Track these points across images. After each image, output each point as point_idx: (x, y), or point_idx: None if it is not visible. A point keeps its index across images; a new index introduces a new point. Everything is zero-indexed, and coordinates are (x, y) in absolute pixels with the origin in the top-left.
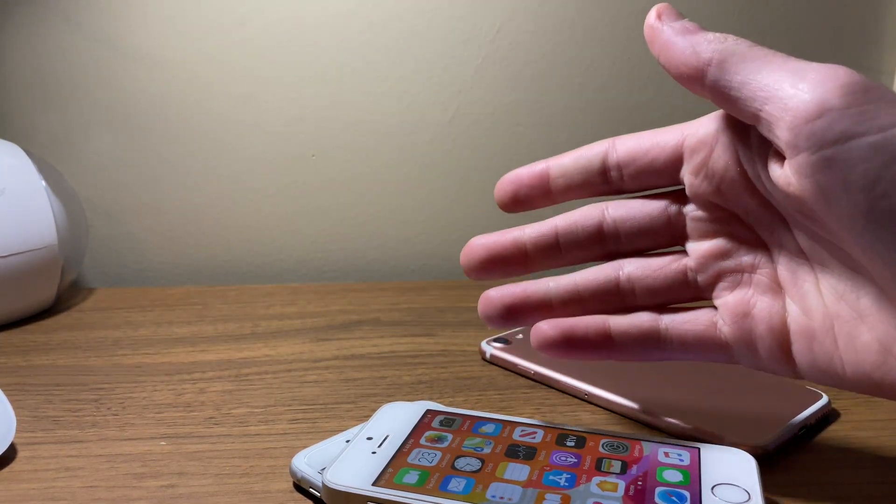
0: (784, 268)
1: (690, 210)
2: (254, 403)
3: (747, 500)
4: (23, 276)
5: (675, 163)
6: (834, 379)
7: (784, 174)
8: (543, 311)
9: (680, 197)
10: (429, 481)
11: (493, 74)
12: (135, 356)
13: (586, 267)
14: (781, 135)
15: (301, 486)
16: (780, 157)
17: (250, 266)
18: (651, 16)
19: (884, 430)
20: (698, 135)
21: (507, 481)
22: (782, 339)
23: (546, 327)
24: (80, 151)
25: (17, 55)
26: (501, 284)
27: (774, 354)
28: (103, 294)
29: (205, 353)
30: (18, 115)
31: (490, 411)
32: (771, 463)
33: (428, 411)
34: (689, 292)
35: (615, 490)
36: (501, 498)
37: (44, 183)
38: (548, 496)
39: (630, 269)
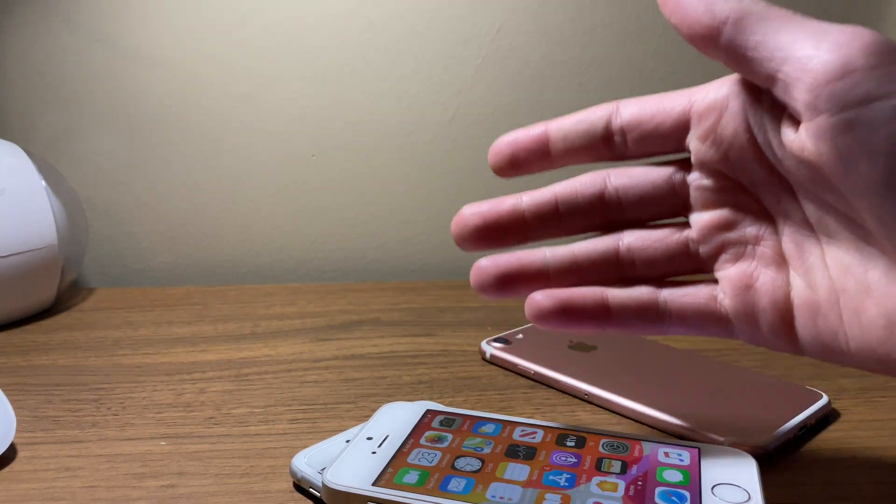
0: (789, 240)
1: (695, 178)
2: (254, 403)
3: (747, 500)
4: (23, 276)
5: (681, 128)
6: (836, 355)
7: (798, 139)
8: (539, 282)
9: (684, 165)
10: (429, 481)
11: (493, 74)
12: (135, 356)
13: (584, 240)
14: (800, 96)
15: (301, 486)
16: (795, 122)
17: (250, 266)
18: None
19: (884, 430)
20: (707, 100)
21: (507, 481)
22: (785, 313)
23: (541, 297)
24: (80, 151)
25: (17, 55)
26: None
27: (776, 329)
28: (103, 294)
29: (205, 353)
30: (18, 115)
31: (490, 411)
32: (771, 463)
33: (428, 411)
34: (690, 264)
35: (615, 490)
36: (501, 498)
37: (44, 183)
38: (548, 496)
39: (630, 239)
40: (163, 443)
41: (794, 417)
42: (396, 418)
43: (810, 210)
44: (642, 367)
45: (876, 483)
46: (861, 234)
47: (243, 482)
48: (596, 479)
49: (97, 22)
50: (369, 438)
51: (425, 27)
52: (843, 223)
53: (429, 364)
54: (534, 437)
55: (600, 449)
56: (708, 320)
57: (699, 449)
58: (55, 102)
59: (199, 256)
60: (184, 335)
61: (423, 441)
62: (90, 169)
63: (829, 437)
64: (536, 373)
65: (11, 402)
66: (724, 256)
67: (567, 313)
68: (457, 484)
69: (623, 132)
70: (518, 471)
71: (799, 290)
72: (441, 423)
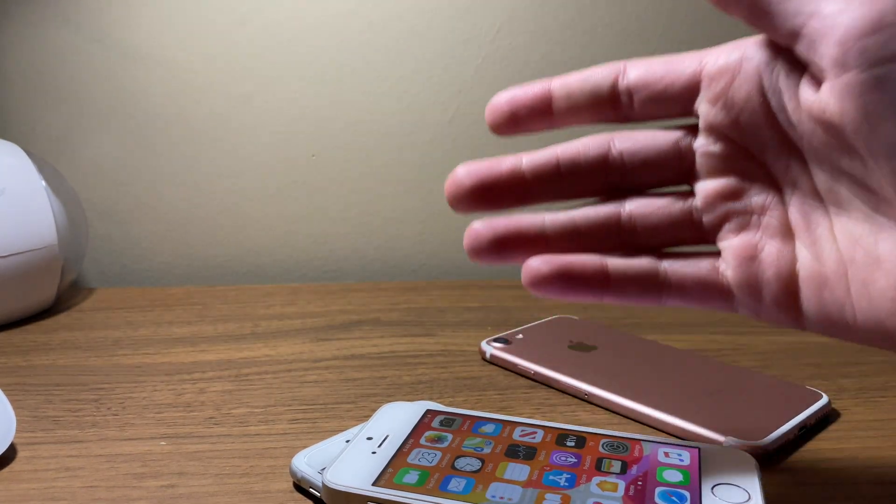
0: (796, 210)
1: (701, 144)
2: (254, 403)
3: (747, 500)
4: (23, 276)
5: (690, 91)
6: (841, 328)
7: (818, 100)
8: (537, 247)
9: (691, 131)
10: (429, 481)
11: (493, 74)
12: (135, 356)
13: (584, 206)
14: (827, 52)
15: (301, 486)
16: (816, 82)
17: (250, 266)
18: None
19: (884, 430)
20: (720, 62)
21: (507, 481)
22: (790, 285)
23: (539, 262)
24: (80, 151)
25: (17, 55)
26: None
27: (780, 301)
28: (103, 294)
29: (205, 353)
30: (18, 115)
31: (490, 411)
32: (771, 463)
33: (428, 411)
34: (692, 233)
35: (615, 490)
36: (501, 498)
37: (44, 183)
38: (548, 496)
39: (632, 206)
40: (163, 443)
41: (794, 417)
42: (396, 418)
43: (820, 178)
44: (642, 367)
45: (876, 483)
46: (874, 202)
47: (243, 482)
48: (596, 479)
49: (97, 22)
50: (369, 438)
51: (425, 27)
52: (855, 191)
53: (429, 364)
54: (534, 437)
55: (600, 449)
56: (709, 292)
57: (699, 449)
58: (55, 102)
59: (199, 256)
60: (184, 335)
61: (423, 441)
62: (90, 169)
63: (829, 437)
64: (536, 373)
65: (11, 402)
66: (727, 226)
67: (565, 280)
68: (457, 484)
69: (630, 93)
70: (518, 471)
71: (805, 261)
72: (441, 423)
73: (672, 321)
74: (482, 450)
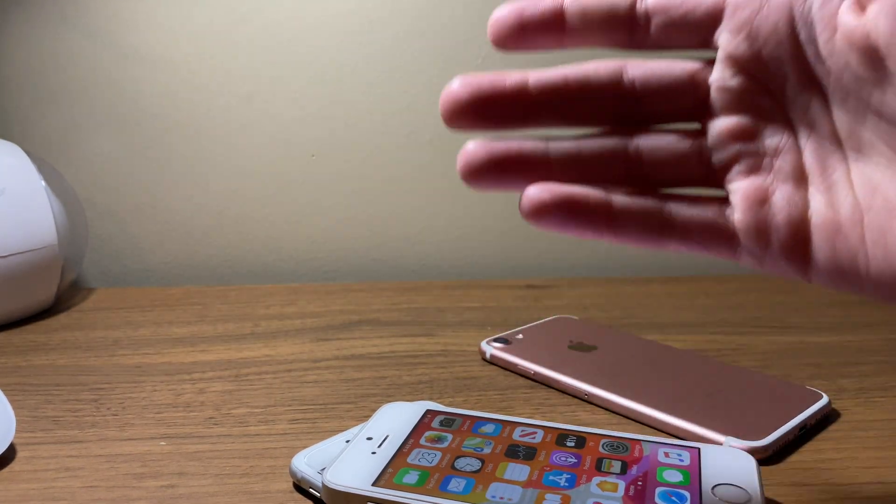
0: (811, 154)
1: (718, 78)
2: (254, 403)
3: (747, 501)
4: (23, 276)
5: (712, 20)
6: (852, 278)
7: (861, 24)
8: (538, 173)
9: (708, 64)
10: (429, 481)
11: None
12: (135, 356)
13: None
14: None
15: (301, 487)
16: (859, 5)
17: (250, 266)
18: None
19: (884, 430)
20: None
21: (507, 481)
22: (801, 231)
23: (540, 191)
24: (80, 151)
25: (17, 55)
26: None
27: (789, 249)
28: (103, 294)
29: (205, 353)
30: (18, 115)
31: (490, 411)
32: (771, 463)
33: (428, 411)
34: (700, 172)
35: (615, 490)
36: (501, 498)
37: (44, 183)
38: (548, 496)
39: (640, 140)
40: (163, 443)
41: (794, 417)
42: (396, 418)
43: (842, 120)
44: (642, 367)
45: (876, 483)
46: None
47: (243, 482)
48: (596, 480)
49: (97, 22)
50: (369, 438)
51: (425, 27)
52: (881, 133)
53: (429, 364)
54: (534, 438)
55: (600, 449)
56: (714, 236)
57: (699, 449)
58: (55, 102)
59: (199, 256)
60: (183, 335)
61: (423, 441)
62: (90, 169)
63: (829, 437)
64: (536, 373)
65: (11, 402)
66: (737, 167)
67: (568, 210)
68: (457, 484)
69: (648, 16)
70: (518, 471)
71: (818, 208)
72: (441, 423)
73: (672, 321)
74: (482, 450)
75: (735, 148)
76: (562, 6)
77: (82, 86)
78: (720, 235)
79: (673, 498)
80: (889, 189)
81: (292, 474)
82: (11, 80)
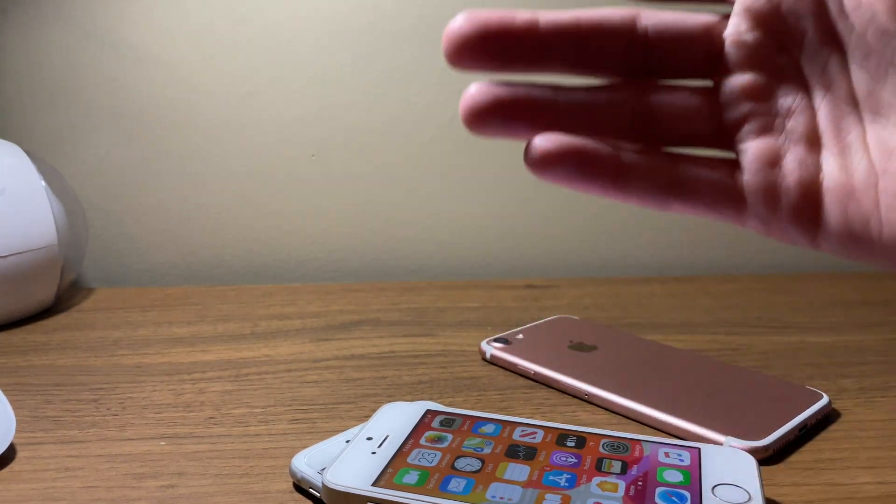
0: (825, 116)
1: (734, 32)
2: (254, 403)
3: (747, 500)
4: (23, 276)
5: None
6: (864, 244)
7: None
8: (544, 120)
9: (724, 18)
10: (429, 481)
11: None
12: (134, 356)
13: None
14: None
15: (301, 487)
16: None
17: (250, 266)
18: None
19: (884, 430)
20: None
21: (507, 481)
22: (812, 194)
23: (547, 141)
24: (80, 151)
25: (16, 55)
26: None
27: (798, 212)
28: (103, 294)
29: (204, 353)
30: (18, 115)
31: (490, 411)
32: (771, 463)
33: (428, 411)
34: (710, 129)
35: (615, 490)
36: (501, 498)
37: (44, 183)
38: (548, 496)
39: (650, 94)
40: (162, 443)
41: (794, 417)
42: (396, 418)
43: (861, 80)
44: (642, 367)
45: (876, 483)
46: None
47: (243, 482)
48: (596, 480)
49: (97, 22)
50: (369, 439)
51: (426, 27)
52: None
53: (429, 364)
54: (534, 438)
55: (600, 449)
56: (721, 197)
57: (699, 449)
58: (55, 102)
59: (199, 256)
60: (183, 335)
61: (423, 441)
62: (90, 169)
63: (829, 437)
64: (536, 373)
65: (11, 402)
66: (748, 126)
67: (576, 162)
68: (457, 484)
69: None
70: (518, 471)
71: (831, 171)
72: (441, 423)
73: (672, 321)
74: (482, 450)
75: (747, 107)
76: None
77: (82, 85)
78: (728, 197)
79: (673, 498)
80: None
81: (292, 474)
82: (11, 80)
